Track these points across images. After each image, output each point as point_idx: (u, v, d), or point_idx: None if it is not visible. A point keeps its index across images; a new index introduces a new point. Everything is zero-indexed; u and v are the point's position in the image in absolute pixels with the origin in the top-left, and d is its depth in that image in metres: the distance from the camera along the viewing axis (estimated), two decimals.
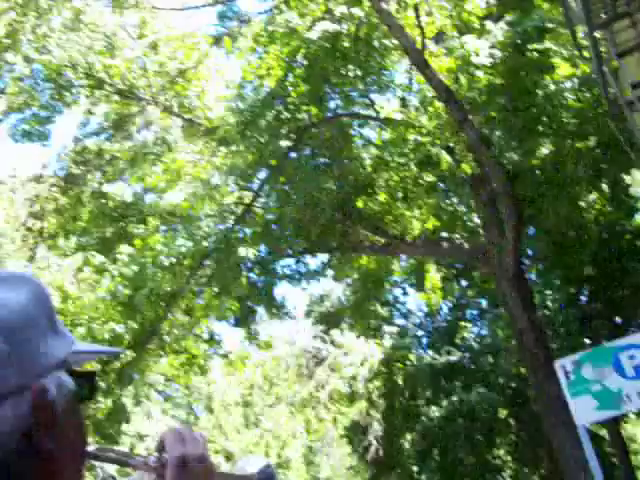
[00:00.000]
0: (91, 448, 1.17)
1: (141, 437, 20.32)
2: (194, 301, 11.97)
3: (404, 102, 11.66)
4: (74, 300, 15.41)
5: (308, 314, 22.65)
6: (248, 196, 11.80)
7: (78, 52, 13.40)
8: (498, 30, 10.11)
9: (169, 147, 13.33)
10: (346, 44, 10.94)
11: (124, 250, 12.69)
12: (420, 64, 10.11)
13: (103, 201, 15.39)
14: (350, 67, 11.24)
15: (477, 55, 9.82)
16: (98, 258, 12.63)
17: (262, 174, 11.89)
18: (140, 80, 13.78)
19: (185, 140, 14.18)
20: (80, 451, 1.01)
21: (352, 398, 18.68)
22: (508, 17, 10.32)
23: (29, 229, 15.38)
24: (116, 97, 14.35)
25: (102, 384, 11.55)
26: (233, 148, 11.44)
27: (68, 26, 12.86)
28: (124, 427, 16.63)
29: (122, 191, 15.55)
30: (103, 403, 12.08)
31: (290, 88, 11.45)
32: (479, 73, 10.01)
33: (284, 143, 11.26)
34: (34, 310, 0.92)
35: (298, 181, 11.65)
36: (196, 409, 23.39)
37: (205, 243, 11.01)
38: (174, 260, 10.80)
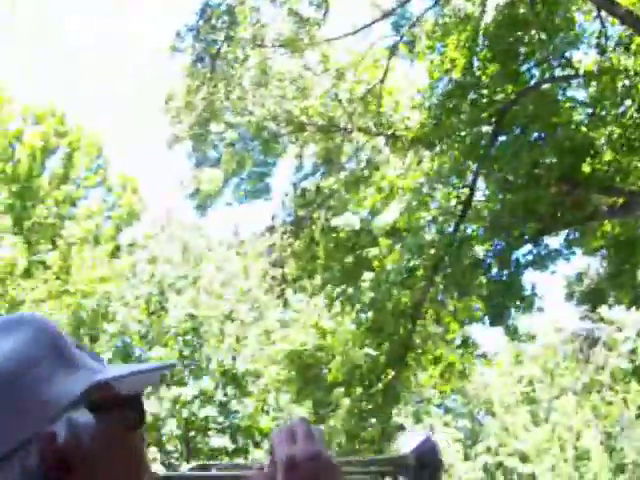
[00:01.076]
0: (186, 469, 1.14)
1: None
2: (440, 309, 11.87)
3: (602, 49, 10.80)
4: (331, 334, 16.01)
5: (570, 296, 21.58)
6: (464, 193, 11.51)
7: (274, 103, 14.09)
8: None
9: (376, 167, 13.45)
10: (522, 10, 10.42)
11: (366, 277, 12.99)
12: (604, 4, 9.33)
13: (334, 235, 15.90)
14: (534, 32, 10.67)
15: None
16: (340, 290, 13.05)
17: (473, 167, 11.56)
18: (336, 111, 14.14)
19: (393, 155, 14.24)
20: (137, 475, 0.94)
21: (637, 374, 17.35)
22: None
23: (273, 277, 16.25)
24: (319, 134, 14.84)
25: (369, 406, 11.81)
26: (437, 149, 11.30)
27: (258, 83, 13.56)
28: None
29: (349, 220, 15.97)
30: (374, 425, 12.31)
31: (478, 73, 11.12)
32: None
33: (486, 128, 10.90)
34: (33, 352, 0.86)
35: (513, 163, 11.18)
36: (478, 416, 23.08)
37: (432, 251, 10.91)
38: (405, 275, 10.79)
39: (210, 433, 18.75)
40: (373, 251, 13.92)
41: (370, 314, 12.00)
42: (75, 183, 21.92)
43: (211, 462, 1.28)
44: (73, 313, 16.96)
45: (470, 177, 11.56)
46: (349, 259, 15.43)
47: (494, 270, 11.85)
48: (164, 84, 14.08)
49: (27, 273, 16.73)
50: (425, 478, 1.31)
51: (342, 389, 13.49)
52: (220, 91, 13.47)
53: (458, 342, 12.14)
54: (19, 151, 19.91)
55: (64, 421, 0.83)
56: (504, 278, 12.01)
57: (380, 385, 12.26)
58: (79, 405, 0.85)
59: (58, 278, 17.25)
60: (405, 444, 1.36)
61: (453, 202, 11.54)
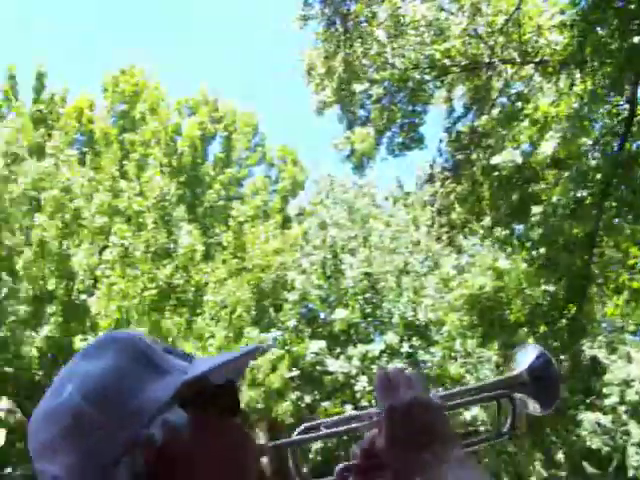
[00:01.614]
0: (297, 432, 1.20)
1: (627, 383, 19.64)
2: (616, 235, 11.30)
3: None
4: (507, 275, 15.71)
5: None
6: (625, 109, 10.81)
7: (413, 52, 13.88)
8: None
9: (527, 99, 12.92)
10: None
11: (535, 211, 12.63)
12: None
13: (496, 173, 15.49)
14: None
15: None
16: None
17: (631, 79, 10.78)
18: (478, 48, 13.71)
19: (544, 82, 13.61)
20: (239, 460, 1.01)
21: None
22: None
23: (441, 225, 16.12)
24: (464, 74, 14.48)
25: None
26: (588, 68, 10.66)
27: (394, 34, 13.39)
28: (606, 377, 16.36)
29: (509, 156, 15.49)
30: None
31: None
32: None
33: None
34: (124, 366, 0.96)
35: None
36: None
37: (598, 176, 10.38)
38: (573, 206, 10.37)
39: None
40: (539, 185, 13.49)
41: (542, 250, 11.65)
42: (237, 164, 22.75)
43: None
44: (254, 288, 17.74)
45: (629, 91, 10.83)
46: (515, 196, 15.01)
47: None
48: (300, 54, 14.27)
49: (206, 256, 17.67)
50: (542, 392, 1.29)
51: (526, 329, 13.26)
52: (358, 50, 13.45)
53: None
54: (180, 144, 20.89)
55: (159, 423, 0.92)
56: None
57: (564, 321, 11.93)
58: (172, 405, 0.94)
59: (235, 257, 18.07)
60: (518, 363, 1.32)
61: (614, 121, 10.89)
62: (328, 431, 1.21)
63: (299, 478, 1.20)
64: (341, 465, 1.17)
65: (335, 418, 1.23)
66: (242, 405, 1.07)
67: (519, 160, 15.17)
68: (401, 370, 1.13)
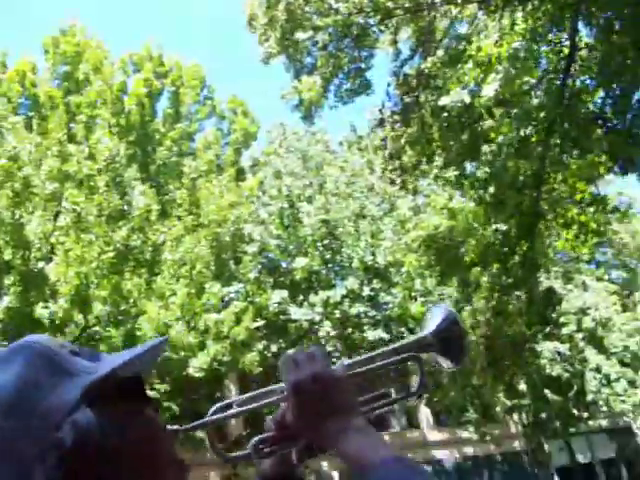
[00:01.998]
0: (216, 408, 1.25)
1: (583, 311, 20.19)
2: (562, 171, 11.49)
3: None
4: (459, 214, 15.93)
5: None
6: (566, 46, 10.90)
7: None
8: None
9: (469, 40, 12.93)
10: None
11: (486, 149, 12.77)
12: None
13: (445, 114, 15.54)
14: None
15: None
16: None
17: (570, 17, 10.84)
18: None
19: (488, 21, 13.61)
20: (152, 449, 1.03)
21: None
22: None
23: (393, 169, 16.19)
24: (409, 16, 14.40)
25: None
26: (529, 6, 10.70)
27: None
28: (562, 307, 16.82)
29: (457, 97, 15.53)
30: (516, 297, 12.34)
31: None
32: None
33: None
34: (28, 375, 0.97)
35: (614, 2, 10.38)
36: (631, 264, 22.40)
37: (542, 114, 10.51)
38: (517, 146, 10.52)
39: (365, 328, 19.36)
40: (487, 123, 13.58)
41: (491, 189, 11.84)
42: (187, 119, 22.42)
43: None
44: (212, 243, 17.71)
45: (570, 28, 10.90)
46: (465, 136, 15.11)
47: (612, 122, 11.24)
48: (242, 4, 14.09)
49: (162, 215, 17.54)
50: (448, 350, 1.38)
51: (479, 268, 13.53)
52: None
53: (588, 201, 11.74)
54: (127, 102, 20.52)
55: (69, 425, 0.93)
56: (625, 125, 11.38)
57: (517, 257, 12.19)
58: (80, 406, 0.95)
59: (191, 213, 17.99)
60: (426, 325, 1.40)
61: (556, 58, 10.99)
62: (240, 409, 1.28)
63: (216, 454, 1.30)
64: (256, 438, 1.26)
65: (247, 395, 1.30)
66: (150, 394, 1.09)
67: (467, 100, 15.25)
68: (303, 351, 1.20)
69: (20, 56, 21.03)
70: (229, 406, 1.29)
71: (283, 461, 1.30)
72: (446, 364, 1.40)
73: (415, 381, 1.41)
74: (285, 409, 1.21)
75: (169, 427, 1.13)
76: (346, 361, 1.31)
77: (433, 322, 1.39)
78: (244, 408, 1.29)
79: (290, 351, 1.26)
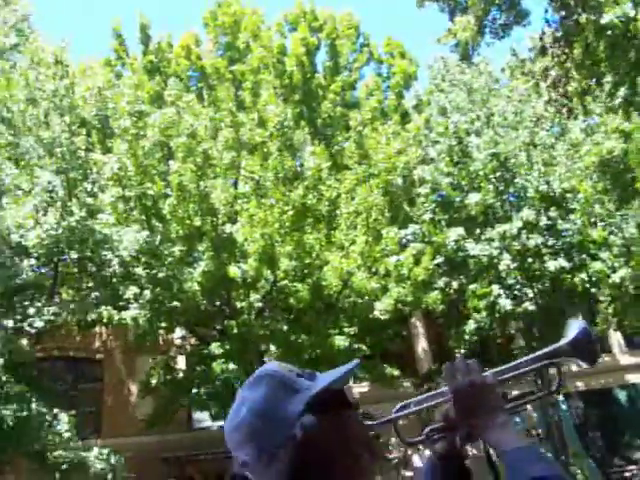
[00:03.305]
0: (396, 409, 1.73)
1: None
2: None
3: None
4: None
5: None
6: None
7: None
8: None
9: None
10: None
11: None
12: None
13: (609, 32, 14.83)
14: None
15: None
16: None
17: None
18: None
19: None
20: (358, 438, 1.46)
21: None
22: None
23: (559, 96, 15.74)
24: None
25: None
26: None
27: None
28: None
29: (620, 11, 14.73)
30: None
31: None
32: None
33: None
34: (272, 392, 1.44)
35: None
36: None
37: None
38: None
39: (545, 258, 19.09)
40: None
41: None
42: (347, 69, 22.79)
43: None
44: (385, 190, 18.15)
45: None
46: (632, 52, 14.41)
47: None
48: None
49: (334, 167, 18.18)
50: (584, 357, 1.69)
51: None
52: None
53: None
54: (288, 63, 21.20)
55: (299, 425, 1.39)
56: None
57: None
58: (305, 413, 1.40)
59: (360, 164, 18.49)
60: (564, 335, 1.69)
61: None
62: (417, 408, 1.75)
63: (403, 443, 1.81)
64: (429, 426, 1.75)
65: (421, 397, 1.76)
66: (353, 400, 1.54)
67: (632, 13, 14.47)
68: (462, 360, 1.62)
69: (182, 33, 22.25)
70: (407, 406, 1.76)
71: (450, 444, 1.75)
72: (582, 365, 1.75)
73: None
74: (449, 407, 1.66)
75: (366, 422, 1.60)
76: (494, 369, 1.70)
77: (571, 333, 1.69)
78: (419, 407, 1.74)
79: (454, 361, 1.65)
